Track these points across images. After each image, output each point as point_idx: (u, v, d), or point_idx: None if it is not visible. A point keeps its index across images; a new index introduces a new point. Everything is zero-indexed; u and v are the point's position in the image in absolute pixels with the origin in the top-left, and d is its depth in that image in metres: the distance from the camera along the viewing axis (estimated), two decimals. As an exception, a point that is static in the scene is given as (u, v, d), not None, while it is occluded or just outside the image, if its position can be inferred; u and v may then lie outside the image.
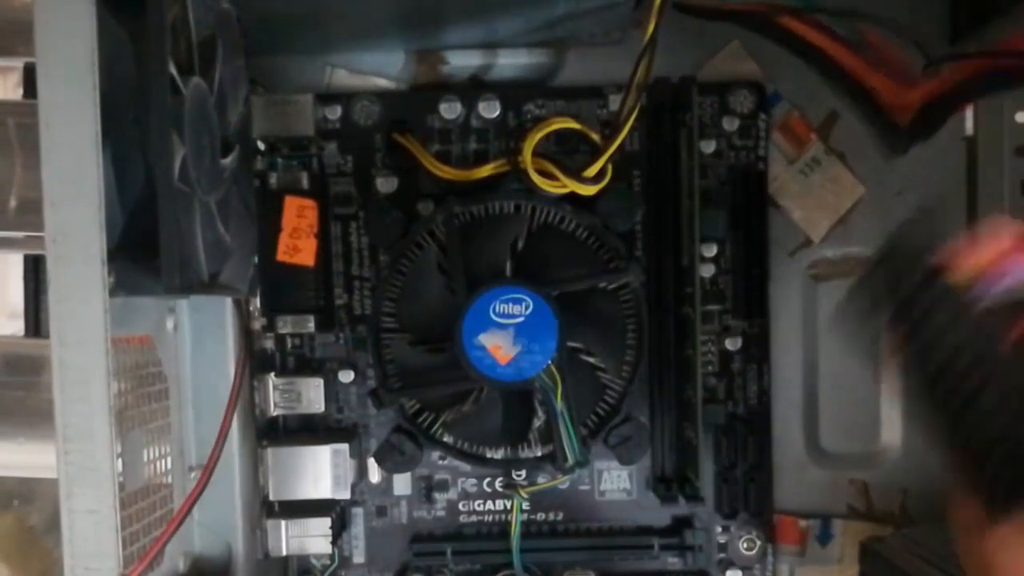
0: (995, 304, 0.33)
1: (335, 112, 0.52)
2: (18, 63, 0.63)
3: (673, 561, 0.55)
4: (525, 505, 0.54)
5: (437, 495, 0.55)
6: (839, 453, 0.57)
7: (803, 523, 0.56)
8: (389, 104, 0.53)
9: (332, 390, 0.54)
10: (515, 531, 0.53)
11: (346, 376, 0.54)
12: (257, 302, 0.52)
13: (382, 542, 0.55)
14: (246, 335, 0.51)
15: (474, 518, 0.55)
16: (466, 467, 0.54)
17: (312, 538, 0.51)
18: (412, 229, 0.50)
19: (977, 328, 0.33)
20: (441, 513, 0.55)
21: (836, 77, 0.49)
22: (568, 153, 0.52)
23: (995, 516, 0.33)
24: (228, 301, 0.50)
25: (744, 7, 0.47)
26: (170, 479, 0.46)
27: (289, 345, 0.54)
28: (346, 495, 0.52)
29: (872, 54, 0.48)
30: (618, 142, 0.48)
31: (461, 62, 0.54)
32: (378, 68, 0.54)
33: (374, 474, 0.54)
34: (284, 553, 0.51)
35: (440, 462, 0.55)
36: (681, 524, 0.55)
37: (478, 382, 0.49)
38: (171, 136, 0.37)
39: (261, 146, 0.51)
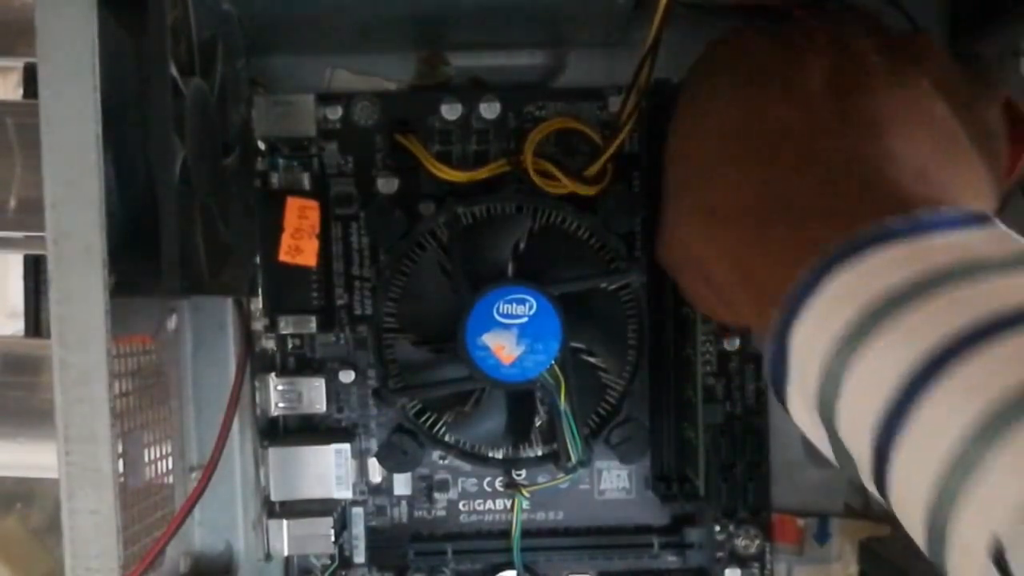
0: None
1: (336, 112, 0.52)
2: (18, 63, 0.63)
3: (672, 560, 0.55)
4: (526, 505, 0.54)
5: (437, 495, 0.55)
6: (838, 453, 0.57)
7: (801, 522, 0.56)
8: (390, 105, 0.52)
9: (333, 390, 0.54)
10: (516, 531, 0.53)
11: (347, 376, 0.54)
12: (258, 302, 0.52)
13: (382, 542, 0.55)
14: (247, 335, 0.51)
15: (474, 518, 0.55)
16: (466, 467, 0.54)
17: (313, 538, 0.51)
18: (413, 230, 0.50)
19: None
20: (441, 513, 0.55)
21: None
22: (569, 154, 0.52)
23: None
24: (229, 301, 0.50)
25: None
26: (171, 479, 0.46)
27: (290, 345, 0.54)
28: (347, 495, 0.52)
29: None
30: (618, 142, 0.48)
31: (462, 63, 0.54)
32: (379, 68, 0.54)
33: (375, 474, 0.54)
34: (285, 553, 0.52)
35: (440, 462, 0.55)
36: (680, 523, 0.55)
37: (482, 382, 0.49)
38: (172, 137, 0.37)
39: (262, 146, 0.51)
